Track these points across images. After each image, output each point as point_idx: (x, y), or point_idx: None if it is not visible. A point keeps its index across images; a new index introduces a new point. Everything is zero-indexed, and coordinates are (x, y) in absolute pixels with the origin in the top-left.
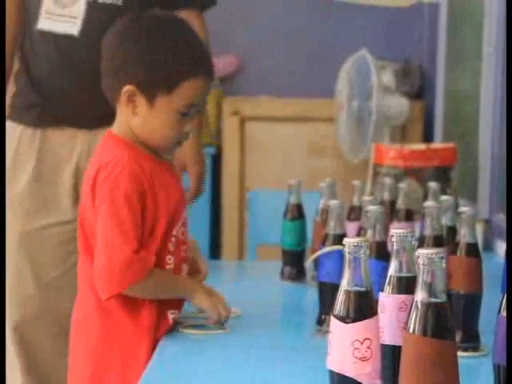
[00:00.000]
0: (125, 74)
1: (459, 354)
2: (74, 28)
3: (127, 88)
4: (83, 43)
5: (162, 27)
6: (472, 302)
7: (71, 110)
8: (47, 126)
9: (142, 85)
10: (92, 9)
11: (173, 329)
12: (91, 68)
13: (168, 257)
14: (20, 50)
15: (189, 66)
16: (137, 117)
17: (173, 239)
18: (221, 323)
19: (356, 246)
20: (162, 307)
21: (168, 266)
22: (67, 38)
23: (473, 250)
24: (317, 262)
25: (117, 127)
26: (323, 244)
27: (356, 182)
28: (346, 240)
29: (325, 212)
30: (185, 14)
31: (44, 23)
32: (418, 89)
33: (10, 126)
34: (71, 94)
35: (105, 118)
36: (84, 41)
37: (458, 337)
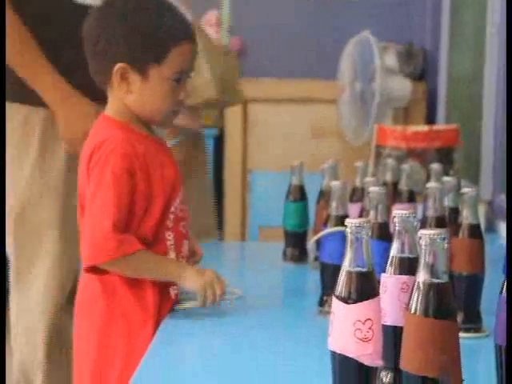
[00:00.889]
0: (113, 53)
1: (461, 334)
2: None
3: (118, 66)
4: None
5: (138, 2)
6: (474, 283)
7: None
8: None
9: (132, 61)
10: None
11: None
12: None
13: (167, 233)
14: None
15: (174, 34)
16: (131, 94)
17: (171, 216)
18: (214, 304)
19: (358, 226)
20: (163, 284)
21: (168, 242)
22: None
23: (475, 231)
24: (319, 243)
25: (110, 109)
26: (325, 225)
27: (358, 164)
28: (347, 221)
29: (327, 193)
30: None
31: None
32: (421, 70)
33: (9, 106)
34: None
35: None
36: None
37: (460, 318)
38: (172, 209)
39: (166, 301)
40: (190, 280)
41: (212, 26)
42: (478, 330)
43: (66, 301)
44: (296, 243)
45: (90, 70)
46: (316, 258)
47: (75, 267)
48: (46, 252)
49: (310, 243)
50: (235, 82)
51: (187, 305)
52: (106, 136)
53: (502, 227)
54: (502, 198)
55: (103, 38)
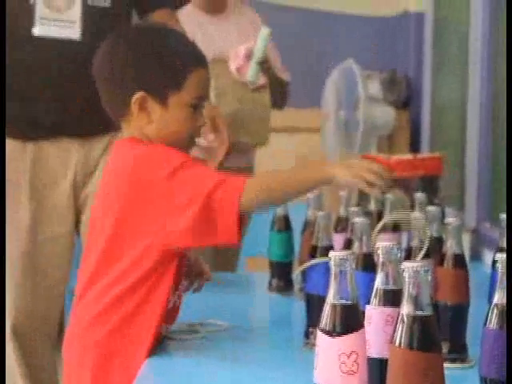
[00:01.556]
0: (130, 84)
1: (446, 365)
2: (74, 32)
3: (138, 95)
4: (85, 47)
5: (151, 32)
6: (459, 313)
7: (67, 118)
8: (40, 137)
9: (152, 89)
10: (86, 12)
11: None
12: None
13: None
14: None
15: (190, 59)
16: (152, 123)
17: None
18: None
19: (342, 259)
20: (156, 322)
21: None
22: (68, 42)
23: (459, 261)
24: (304, 274)
25: (129, 134)
26: (310, 256)
27: (342, 193)
28: (331, 253)
29: (312, 223)
30: (159, 15)
31: (40, 29)
32: (405, 98)
33: None
34: (69, 101)
35: (100, 125)
36: (85, 44)
37: (445, 348)
38: None
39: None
40: (344, 172)
41: (239, 57)
42: (463, 360)
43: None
44: (281, 274)
45: (103, 102)
46: (301, 289)
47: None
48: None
49: (296, 274)
50: (256, 121)
51: (189, 336)
52: (139, 147)
53: (487, 255)
54: (487, 226)
55: (118, 68)
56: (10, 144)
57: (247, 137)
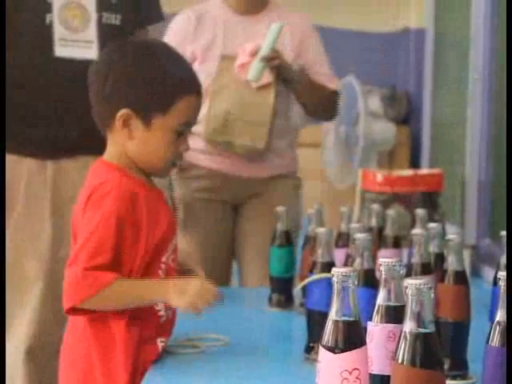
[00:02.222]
0: (118, 99)
1: (448, 382)
2: (92, 52)
3: (122, 112)
4: None
5: (149, 51)
6: (460, 329)
7: (85, 137)
8: (59, 156)
9: (137, 108)
10: (101, 31)
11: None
12: None
13: None
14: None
15: (182, 85)
16: (133, 140)
17: (162, 266)
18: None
19: (344, 275)
20: (150, 337)
21: None
22: (85, 62)
23: (460, 277)
24: (305, 290)
25: (108, 155)
26: (311, 271)
27: (343, 209)
28: (334, 270)
29: (312, 239)
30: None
31: (60, 50)
32: (405, 114)
33: (11, 158)
34: (85, 120)
35: None
36: None
37: (447, 365)
38: (163, 259)
39: (151, 353)
40: (176, 300)
41: (244, 54)
42: (464, 377)
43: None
44: (282, 289)
45: (93, 112)
46: (302, 304)
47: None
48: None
49: (296, 290)
50: (252, 123)
51: (189, 351)
52: (103, 179)
53: (487, 272)
54: (487, 243)
55: (110, 81)
56: (29, 162)
57: (242, 139)
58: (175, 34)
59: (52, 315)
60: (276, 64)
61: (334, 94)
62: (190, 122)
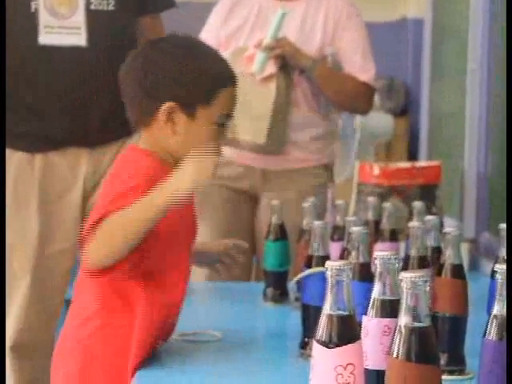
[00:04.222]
0: (161, 93)
1: (445, 377)
2: (80, 38)
3: (167, 105)
4: (92, 53)
5: (185, 44)
6: (457, 324)
7: (76, 129)
8: (48, 149)
9: (181, 100)
10: (90, 17)
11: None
12: (102, 80)
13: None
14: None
15: (222, 77)
16: (176, 135)
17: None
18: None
19: (339, 269)
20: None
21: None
22: (75, 49)
23: (458, 271)
24: (300, 284)
25: (144, 143)
26: (306, 265)
27: (339, 202)
28: (328, 263)
29: (308, 232)
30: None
31: (45, 38)
32: (403, 106)
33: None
34: (77, 111)
35: (109, 133)
36: (93, 51)
37: (444, 360)
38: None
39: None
40: (184, 186)
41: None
42: (461, 372)
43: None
44: (276, 283)
45: (128, 109)
46: (297, 299)
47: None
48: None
49: (291, 284)
50: (253, 117)
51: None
52: (132, 159)
53: (485, 265)
54: (486, 236)
55: (151, 77)
56: (19, 156)
57: (243, 135)
58: (211, 18)
59: (39, 312)
60: (277, 53)
61: (365, 86)
62: (230, 113)
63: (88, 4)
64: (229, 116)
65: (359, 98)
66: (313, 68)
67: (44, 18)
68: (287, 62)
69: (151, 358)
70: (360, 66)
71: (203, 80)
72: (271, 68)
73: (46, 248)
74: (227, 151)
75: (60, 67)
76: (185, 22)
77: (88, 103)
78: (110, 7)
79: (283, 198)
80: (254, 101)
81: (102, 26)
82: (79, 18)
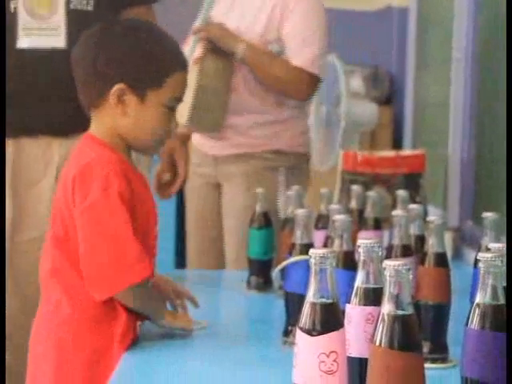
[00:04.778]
0: (112, 76)
1: (427, 365)
2: (59, 40)
3: (117, 87)
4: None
5: (137, 29)
6: (440, 312)
7: (47, 118)
8: (20, 135)
9: (132, 83)
10: (70, 17)
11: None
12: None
13: None
14: None
15: (174, 60)
16: (126, 117)
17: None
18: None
19: (322, 257)
20: (132, 317)
21: None
22: (53, 52)
23: (441, 259)
24: (284, 272)
25: (96, 131)
26: (290, 253)
27: (323, 190)
28: (312, 251)
29: (291, 220)
30: (137, 11)
31: (24, 41)
32: (388, 95)
33: None
34: (49, 100)
35: (84, 123)
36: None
37: (426, 348)
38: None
39: (131, 332)
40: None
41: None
42: (444, 360)
43: None
44: (260, 271)
45: (79, 91)
46: (281, 287)
47: None
48: None
49: (275, 272)
50: (191, 107)
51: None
52: (96, 156)
53: (469, 254)
54: (469, 225)
55: (103, 58)
56: None
57: (182, 120)
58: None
59: (15, 304)
60: (202, 36)
61: (297, 70)
62: (180, 97)
63: (67, 3)
64: (178, 100)
65: (290, 83)
66: (239, 51)
67: (23, 19)
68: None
69: (132, 347)
70: (295, 51)
71: (154, 63)
72: (198, 51)
73: (15, 235)
74: (194, 137)
75: (36, 66)
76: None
77: (63, 94)
78: (90, 7)
79: (232, 183)
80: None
81: (82, 27)
82: (59, 18)
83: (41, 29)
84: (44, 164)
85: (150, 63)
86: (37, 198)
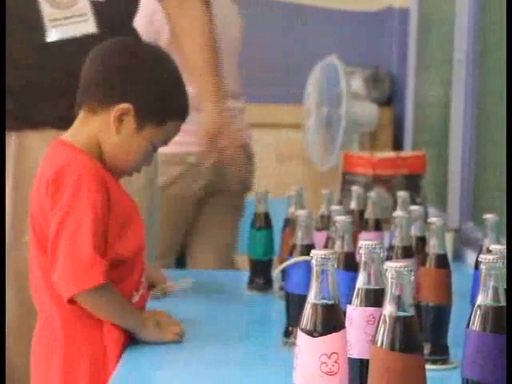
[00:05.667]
0: (127, 92)
1: (428, 366)
2: (89, 25)
3: (125, 106)
4: (103, 39)
5: (160, 62)
6: (441, 313)
7: (53, 110)
8: (23, 128)
9: (139, 109)
10: (93, 5)
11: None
12: None
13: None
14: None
15: (179, 110)
16: (117, 136)
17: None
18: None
19: (324, 258)
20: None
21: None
22: (85, 38)
23: (442, 261)
24: (284, 273)
25: (73, 137)
26: (291, 254)
27: (324, 191)
28: (313, 252)
29: (293, 221)
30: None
31: (54, 32)
32: (388, 95)
33: None
34: (56, 94)
35: None
36: (103, 36)
37: (427, 349)
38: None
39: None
40: (149, 334)
41: None
42: (445, 361)
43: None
44: (261, 272)
45: (81, 88)
46: (281, 288)
47: None
48: None
49: (276, 272)
50: None
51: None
52: (69, 159)
53: (469, 255)
54: (470, 226)
55: (125, 71)
56: None
57: None
58: None
59: (19, 305)
60: None
61: None
62: (167, 141)
63: None
64: (166, 143)
65: None
66: None
67: (47, 11)
68: None
69: (131, 347)
70: None
71: (166, 103)
72: None
73: (18, 236)
74: None
75: (66, 60)
76: None
77: (70, 87)
78: None
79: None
80: None
81: (105, 13)
82: (83, 3)
83: (68, 17)
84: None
85: (163, 101)
86: None
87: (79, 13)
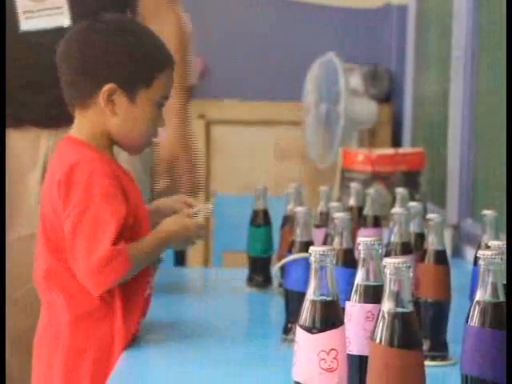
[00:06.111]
0: (101, 75)
1: (427, 362)
2: (63, 18)
3: (108, 87)
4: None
5: (124, 27)
6: (440, 310)
7: (36, 108)
8: (6, 126)
9: (122, 82)
10: None
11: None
12: None
13: None
14: None
15: (162, 58)
16: (116, 117)
17: None
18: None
19: (322, 254)
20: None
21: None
22: (56, 31)
23: (441, 257)
24: (283, 270)
25: (78, 132)
26: (290, 251)
27: (323, 188)
28: (311, 249)
29: (292, 218)
30: None
31: (27, 23)
32: (387, 92)
33: None
34: (38, 90)
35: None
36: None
37: (426, 345)
38: None
39: (131, 328)
40: (176, 237)
41: None
42: (444, 358)
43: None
44: (260, 269)
45: (65, 91)
46: (280, 285)
47: None
48: None
49: (274, 269)
50: None
51: None
52: (77, 158)
53: (468, 252)
54: (468, 222)
55: (90, 59)
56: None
57: None
58: None
59: (11, 304)
60: None
61: None
62: (167, 94)
63: None
64: (167, 97)
65: None
66: None
67: (22, 2)
68: None
69: (132, 345)
70: None
71: (142, 63)
72: None
73: (6, 234)
74: None
75: (41, 51)
76: None
77: (53, 82)
78: None
79: None
80: None
81: (84, 5)
82: None
83: (42, 10)
84: (30, 157)
85: (140, 62)
86: (25, 192)
87: (54, 6)
